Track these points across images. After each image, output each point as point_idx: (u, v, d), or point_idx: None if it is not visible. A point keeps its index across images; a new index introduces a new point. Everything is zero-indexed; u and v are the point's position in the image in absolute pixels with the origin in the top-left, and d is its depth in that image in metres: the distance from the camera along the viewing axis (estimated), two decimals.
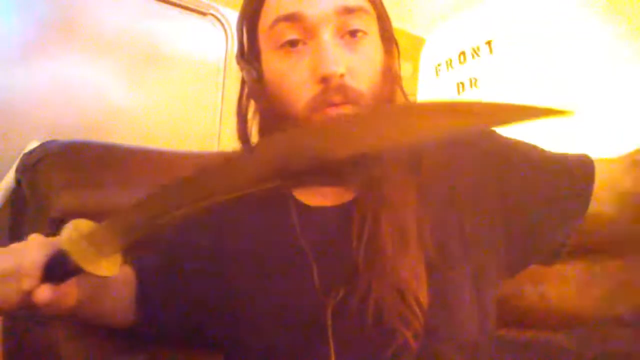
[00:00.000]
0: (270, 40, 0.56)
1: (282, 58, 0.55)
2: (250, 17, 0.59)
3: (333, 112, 0.53)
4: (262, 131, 0.61)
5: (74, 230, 0.47)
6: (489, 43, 1.52)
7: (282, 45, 0.55)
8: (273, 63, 0.56)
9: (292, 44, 0.54)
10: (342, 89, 0.53)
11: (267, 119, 0.59)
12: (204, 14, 1.31)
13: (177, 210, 0.42)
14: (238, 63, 0.63)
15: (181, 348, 0.74)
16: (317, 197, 0.61)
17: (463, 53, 1.60)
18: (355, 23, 0.55)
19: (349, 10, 0.54)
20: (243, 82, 0.64)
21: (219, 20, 1.34)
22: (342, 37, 0.55)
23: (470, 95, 1.59)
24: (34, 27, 1.05)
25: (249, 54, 0.61)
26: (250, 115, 0.63)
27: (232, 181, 0.40)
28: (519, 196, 0.59)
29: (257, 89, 0.60)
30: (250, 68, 0.60)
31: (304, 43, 0.54)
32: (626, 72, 1.17)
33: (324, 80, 0.52)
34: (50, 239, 0.49)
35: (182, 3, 1.27)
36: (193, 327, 0.64)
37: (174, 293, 0.64)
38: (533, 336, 0.75)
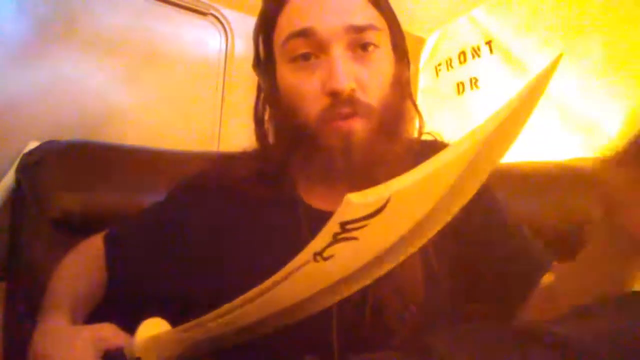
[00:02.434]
0: (283, 54, 0.58)
1: (294, 71, 0.57)
2: (266, 30, 0.61)
3: (343, 126, 0.54)
4: (278, 135, 0.63)
5: (147, 330, 0.48)
6: (489, 43, 1.52)
7: (295, 59, 0.57)
8: (286, 75, 0.58)
9: (305, 57, 0.56)
10: (351, 101, 0.54)
11: (281, 124, 0.61)
12: (204, 14, 1.31)
13: (252, 333, 0.41)
14: (254, 70, 0.65)
15: None
16: (325, 202, 0.61)
17: (463, 53, 1.60)
18: (366, 38, 0.56)
19: (358, 29, 0.56)
20: (259, 88, 0.66)
21: (219, 20, 1.34)
22: (353, 50, 0.56)
23: (470, 95, 1.59)
24: (34, 27, 1.05)
25: (265, 63, 0.62)
26: (266, 118, 0.64)
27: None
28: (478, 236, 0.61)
29: (272, 97, 0.62)
30: (266, 76, 0.62)
31: (316, 57, 0.56)
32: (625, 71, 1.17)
33: (334, 94, 0.54)
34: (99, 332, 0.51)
35: (182, 3, 1.26)
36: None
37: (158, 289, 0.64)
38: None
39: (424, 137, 0.67)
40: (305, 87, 0.56)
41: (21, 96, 1.02)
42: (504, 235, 0.63)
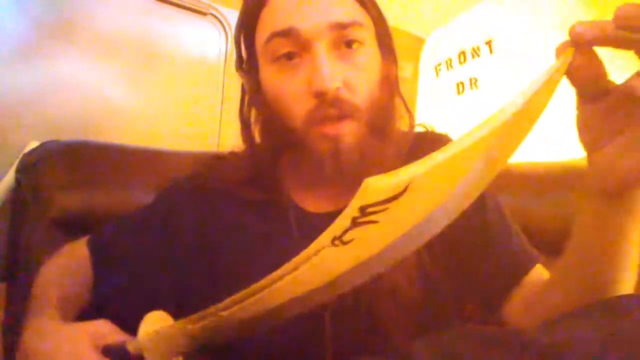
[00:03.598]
0: (266, 54, 0.56)
1: (278, 71, 0.55)
2: (247, 30, 0.59)
3: (331, 130, 0.53)
4: (264, 137, 0.61)
5: (151, 325, 0.46)
6: (489, 43, 1.52)
7: (278, 59, 0.55)
8: (270, 76, 0.56)
9: (288, 57, 0.54)
10: (338, 102, 0.52)
11: (268, 127, 0.60)
12: (204, 14, 1.31)
13: (266, 323, 0.40)
14: (237, 72, 0.63)
15: None
16: (315, 203, 0.61)
17: (463, 53, 1.60)
18: (350, 35, 0.54)
19: (342, 26, 0.54)
20: (243, 91, 0.64)
21: (219, 20, 1.34)
22: (337, 48, 0.54)
23: (470, 95, 1.59)
24: (34, 27, 1.05)
25: (248, 65, 0.61)
26: (252, 119, 0.63)
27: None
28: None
29: (256, 99, 0.60)
30: (250, 78, 0.60)
31: (300, 56, 0.54)
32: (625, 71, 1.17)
33: (319, 95, 0.52)
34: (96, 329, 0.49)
35: (182, 3, 1.27)
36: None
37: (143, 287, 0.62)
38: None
39: (416, 130, 0.65)
40: (290, 88, 0.54)
41: (21, 96, 1.03)
42: (488, 230, 0.61)
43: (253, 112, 0.63)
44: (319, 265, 0.37)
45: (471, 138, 0.34)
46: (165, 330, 0.45)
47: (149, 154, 0.98)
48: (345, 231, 0.36)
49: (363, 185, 0.36)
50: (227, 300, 0.41)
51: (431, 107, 1.72)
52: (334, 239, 0.37)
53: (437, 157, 0.34)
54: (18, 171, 0.91)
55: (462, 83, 1.61)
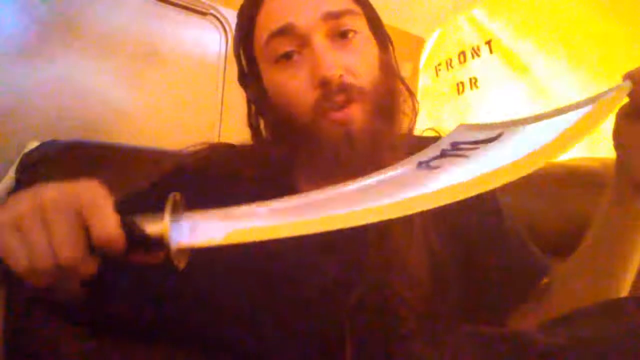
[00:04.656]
0: (267, 56, 0.58)
1: (280, 71, 0.57)
2: (245, 39, 0.61)
3: (340, 116, 0.54)
4: (276, 140, 0.62)
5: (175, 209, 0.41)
6: (489, 43, 1.52)
7: (279, 59, 0.56)
8: (273, 77, 0.58)
9: (287, 56, 0.56)
10: (343, 88, 0.54)
11: (278, 129, 0.61)
12: (204, 14, 1.31)
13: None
14: (241, 85, 0.65)
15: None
16: None
17: (463, 53, 1.61)
18: (344, 24, 0.56)
19: (335, 15, 0.56)
20: (249, 102, 0.65)
21: (219, 20, 1.34)
22: (334, 40, 0.56)
23: (470, 95, 1.59)
24: (34, 27, 1.05)
25: (250, 74, 0.62)
26: (262, 126, 0.64)
27: None
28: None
29: (263, 105, 0.61)
30: (254, 87, 0.61)
31: (299, 53, 0.56)
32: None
33: (324, 83, 0.53)
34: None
35: (182, 3, 1.27)
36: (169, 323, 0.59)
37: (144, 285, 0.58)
38: None
39: (427, 134, 0.66)
40: (294, 85, 0.55)
41: (21, 96, 1.02)
42: (505, 238, 0.62)
43: (262, 120, 0.64)
44: (395, 183, 0.39)
45: (550, 117, 0.41)
46: (196, 216, 0.41)
47: (149, 154, 0.98)
48: (434, 158, 0.39)
49: (458, 126, 0.41)
50: (271, 202, 0.39)
51: (431, 107, 1.72)
52: (420, 163, 0.39)
53: (528, 121, 0.41)
54: (18, 171, 0.91)
55: (462, 83, 1.62)
